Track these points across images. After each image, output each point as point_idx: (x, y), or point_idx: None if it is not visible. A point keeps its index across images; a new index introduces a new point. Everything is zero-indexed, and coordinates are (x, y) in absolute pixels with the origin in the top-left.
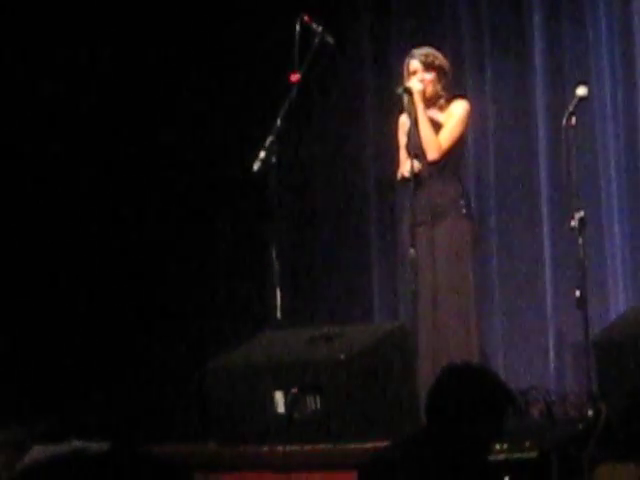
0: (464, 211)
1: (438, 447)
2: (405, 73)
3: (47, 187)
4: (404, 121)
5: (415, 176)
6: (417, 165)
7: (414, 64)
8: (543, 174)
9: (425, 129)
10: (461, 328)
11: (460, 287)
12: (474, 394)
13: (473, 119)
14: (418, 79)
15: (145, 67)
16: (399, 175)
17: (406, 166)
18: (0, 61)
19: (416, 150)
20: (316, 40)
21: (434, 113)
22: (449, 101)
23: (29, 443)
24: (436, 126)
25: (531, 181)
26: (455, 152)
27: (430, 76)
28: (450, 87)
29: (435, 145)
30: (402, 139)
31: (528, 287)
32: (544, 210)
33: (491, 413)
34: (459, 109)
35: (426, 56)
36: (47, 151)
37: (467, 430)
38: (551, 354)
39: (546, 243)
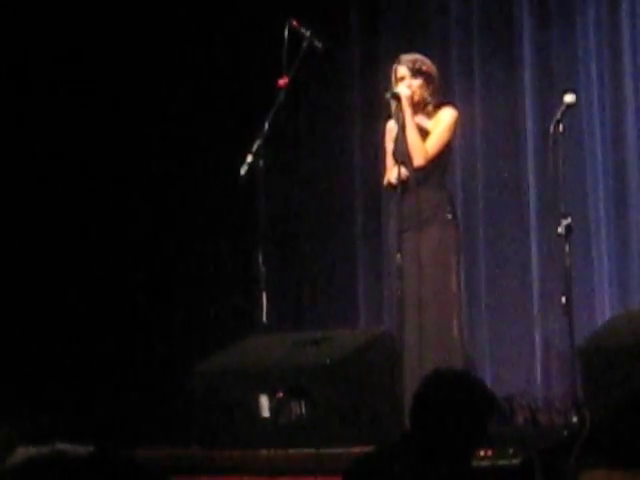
0: (449, 217)
1: (422, 452)
2: (393, 79)
3: (36, 195)
4: (391, 127)
5: (402, 183)
6: (404, 172)
7: (402, 70)
8: (531, 181)
9: (412, 135)
10: (444, 334)
11: (444, 293)
12: (458, 399)
13: (461, 125)
14: (405, 85)
15: (132, 70)
16: (386, 181)
17: (393, 173)
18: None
19: (402, 156)
20: (304, 44)
21: (421, 119)
22: (437, 108)
23: (14, 444)
24: (423, 132)
25: (519, 188)
26: (442, 159)
27: (417, 82)
28: (438, 93)
29: (422, 151)
30: (389, 145)
31: (515, 294)
32: (531, 217)
33: (475, 419)
34: (447, 116)
35: (413, 62)
36: (42, 154)
37: (451, 435)
38: (538, 361)
39: (533, 250)
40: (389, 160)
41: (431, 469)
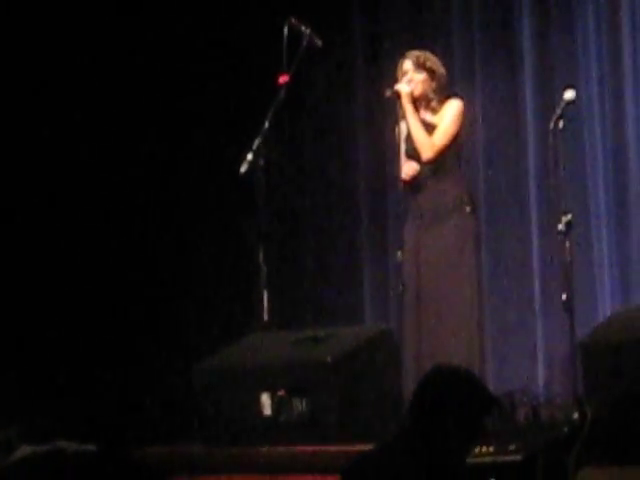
0: (468, 210)
1: (421, 448)
2: (398, 73)
3: (32, 195)
4: (403, 129)
5: (414, 179)
6: (415, 167)
7: (406, 64)
8: (532, 178)
9: (416, 130)
10: (464, 329)
11: (464, 286)
12: (458, 395)
13: (464, 119)
14: (407, 79)
15: (133, 69)
16: (400, 184)
17: (404, 169)
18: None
19: (411, 153)
20: (304, 42)
21: (426, 115)
22: (441, 103)
23: (17, 443)
24: (429, 128)
25: (520, 185)
26: (452, 151)
27: (420, 76)
28: (443, 92)
29: (428, 144)
30: (402, 146)
31: (516, 290)
32: (532, 213)
33: (472, 416)
34: (452, 108)
35: (417, 57)
36: (40, 155)
37: (450, 431)
38: (539, 357)
39: (534, 246)
40: (403, 159)
41: (430, 465)
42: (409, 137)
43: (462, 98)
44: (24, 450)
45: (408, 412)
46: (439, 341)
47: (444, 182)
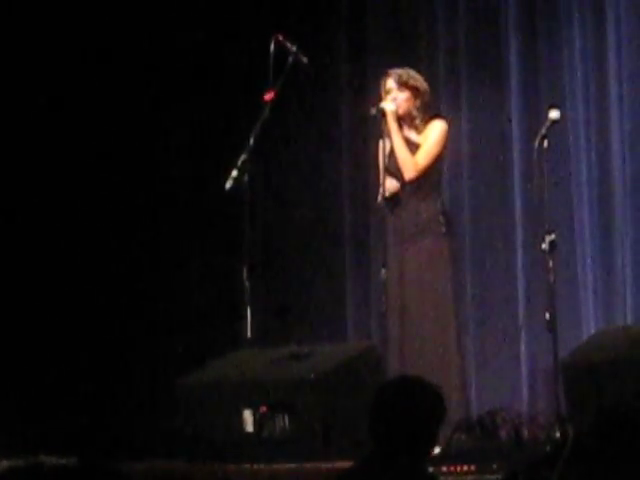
0: (443, 230)
1: (382, 462)
2: (382, 91)
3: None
4: (385, 145)
5: (393, 196)
6: (395, 185)
7: (389, 82)
8: (517, 196)
9: (400, 149)
10: (441, 348)
11: (440, 306)
12: (404, 406)
13: (448, 140)
14: (391, 97)
15: (118, 86)
16: (379, 197)
17: (385, 186)
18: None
19: (393, 170)
20: (290, 59)
21: (410, 134)
22: (426, 122)
23: None
24: (412, 146)
25: (505, 203)
26: (433, 171)
27: (404, 95)
28: (427, 109)
29: (411, 164)
30: (382, 162)
31: (500, 308)
32: (517, 232)
33: (423, 423)
34: (436, 128)
35: (400, 75)
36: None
37: (402, 442)
38: (523, 376)
39: (519, 265)
40: (382, 176)
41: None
42: (392, 155)
43: (446, 119)
44: (2, 465)
45: (369, 427)
46: (422, 359)
47: (422, 202)
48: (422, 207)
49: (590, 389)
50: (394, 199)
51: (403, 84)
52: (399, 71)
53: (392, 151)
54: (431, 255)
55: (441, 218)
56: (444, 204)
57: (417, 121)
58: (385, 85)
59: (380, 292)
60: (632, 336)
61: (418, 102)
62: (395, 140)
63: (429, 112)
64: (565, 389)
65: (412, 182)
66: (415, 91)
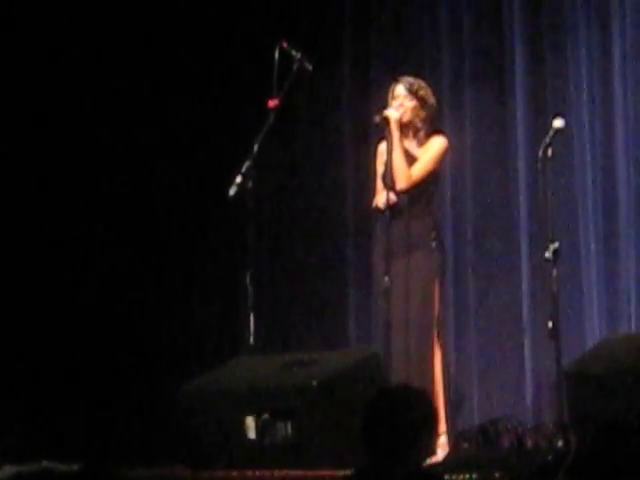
0: (433, 245)
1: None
2: (389, 97)
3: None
4: (382, 150)
5: (390, 207)
6: (392, 197)
7: (399, 89)
8: (521, 205)
9: (397, 158)
10: (424, 358)
11: (426, 319)
12: (402, 415)
13: (452, 150)
14: (397, 104)
15: (120, 92)
16: (374, 204)
17: (381, 197)
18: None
19: (390, 180)
20: (294, 66)
21: (412, 146)
22: (428, 136)
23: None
24: (412, 159)
25: (509, 212)
26: (428, 186)
27: (410, 104)
28: (431, 123)
29: (405, 175)
30: (380, 168)
31: (504, 317)
32: (522, 241)
33: (414, 431)
34: (436, 144)
35: (411, 84)
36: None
37: (394, 450)
38: (527, 385)
39: (523, 274)
40: (379, 183)
41: None
42: (388, 162)
43: (448, 136)
44: (7, 470)
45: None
46: (404, 372)
47: (414, 215)
48: (415, 221)
49: (593, 398)
50: (390, 210)
51: (413, 92)
52: (410, 79)
53: (388, 160)
54: (421, 269)
55: (432, 233)
56: (436, 219)
57: (420, 133)
58: (394, 91)
59: (384, 300)
60: (636, 345)
61: (423, 113)
62: (395, 148)
63: (432, 127)
64: (568, 398)
65: (402, 192)
66: (422, 102)
